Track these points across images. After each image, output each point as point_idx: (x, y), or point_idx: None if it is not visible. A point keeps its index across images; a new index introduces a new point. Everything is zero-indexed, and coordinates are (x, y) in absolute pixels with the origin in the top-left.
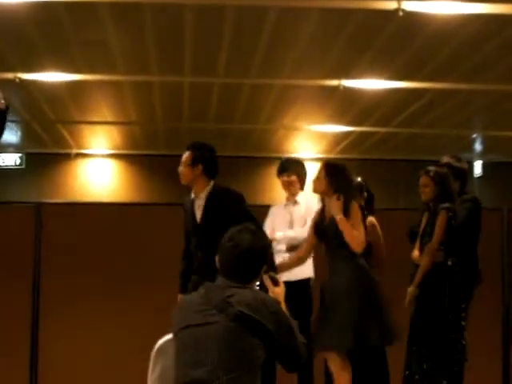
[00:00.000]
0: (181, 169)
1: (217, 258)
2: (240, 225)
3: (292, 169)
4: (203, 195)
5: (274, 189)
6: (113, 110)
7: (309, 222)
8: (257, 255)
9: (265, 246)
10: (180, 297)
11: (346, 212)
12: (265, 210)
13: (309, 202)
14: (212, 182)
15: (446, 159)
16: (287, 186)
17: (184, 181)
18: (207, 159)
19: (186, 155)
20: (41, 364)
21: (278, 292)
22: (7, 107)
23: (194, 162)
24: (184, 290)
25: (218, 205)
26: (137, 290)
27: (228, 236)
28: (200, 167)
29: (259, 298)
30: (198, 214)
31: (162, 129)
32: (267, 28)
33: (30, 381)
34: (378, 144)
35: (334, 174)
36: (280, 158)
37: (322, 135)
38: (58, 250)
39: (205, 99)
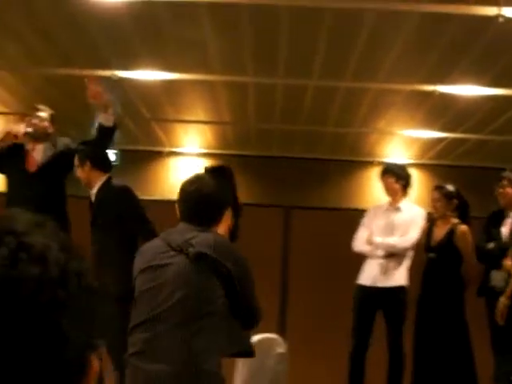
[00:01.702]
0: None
1: (176, 205)
2: (197, 173)
3: (394, 173)
4: (94, 191)
5: (365, 193)
6: (206, 110)
7: (410, 231)
8: (217, 199)
9: (222, 192)
10: None
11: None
12: (355, 213)
13: (412, 211)
14: (105, 177)
15: None
16: (387, 190)
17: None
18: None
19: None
20: None
21: None
22: (115, 125)
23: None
24: None
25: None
26: None
27: (188, 181)
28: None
29: (220, 240)
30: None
31: (254, 129)
32: (364, 31)
33: None
34: (470, 151)
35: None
36: (371, 162)
37: (414, 140)
38: None
39: (298, 101)
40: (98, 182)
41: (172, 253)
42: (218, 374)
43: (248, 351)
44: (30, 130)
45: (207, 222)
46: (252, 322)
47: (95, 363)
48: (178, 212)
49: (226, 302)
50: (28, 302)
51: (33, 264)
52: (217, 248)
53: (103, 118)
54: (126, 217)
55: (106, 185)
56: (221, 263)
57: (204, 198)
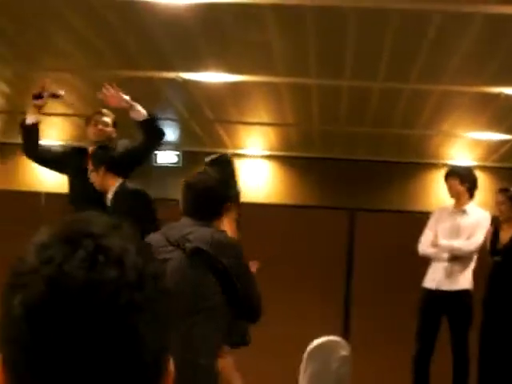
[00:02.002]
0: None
1: (180, 201)
2: (202, 168)
3: (458, 175)
4: (110, 196)
5: (430, 195)
6: (270, 112)
7: (476, 235)
8: (217, 192)
9: (222, 186)
10: None
11: None
12: (420, 216)
13: (478, 214)
14: (119, 181)
15: None
16: (451, 192)
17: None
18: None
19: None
20: None
21: None
22: (150, 115)
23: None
24: None
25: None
26: (289, 292)
27: (190, 175)
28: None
29: (218, 236)
30: None
31: (318, 131)
32: (429, 33)
33: None
34: None
35: None
36: (435, 165)
37: (478, 143)
38: None
39: (363, 103)
40: (113, 186)
41: (170, 248)
42: (213, 368)
43: (243, 342)
44: (62, 93)
45: (208, 216)
46: (254, 317)
47: (171, 366)
48: (180, 207)
49: (224, 298)
50: (106, 305)
51: (110, 267)
52: (214, 244)
53: (135, 115)
54: (142, 221)
55: (121, 189)
56: (217, 259)
57: (203, 192)
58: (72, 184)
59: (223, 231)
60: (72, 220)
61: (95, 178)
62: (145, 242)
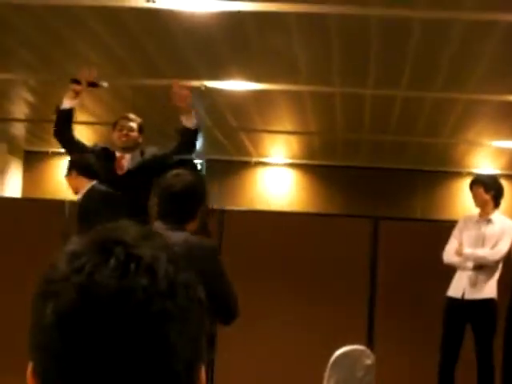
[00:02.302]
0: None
1: (151, 203)
2: (175, 170)
3: (483, 183)
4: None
5: (455, 204)
6: (293, 120)
7: (500, 244)
8: (192, 193)
9: (200, 186)
10: None
11: None
12: (444, 224)
13: (504, 223)
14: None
15: None
16: (476, 200)
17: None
18: None
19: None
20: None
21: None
22: (198, 127)
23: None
24: None
25: None
26: (309, 303)
27: (163, 180)
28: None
29: (192, 241)
30: None
31: (341, 139)
32: (453, 41)
33: None
34: None
35: None
36: (460, 173)
37: (503, 151)
38: (237, 256)
39: (386, 111)
40: (83, 189)
41: None
42: None
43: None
44: (104, 84)
45: (183, 218)
46: (229, 318)
47: (203, 376)
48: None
49: None
50: (137, 313)
51: (142, 275)
52: (186, 249)
53: (186, 121)
54: (108, 222)
55: (90, 191)
56: (191, 263)
57: (182, 192)
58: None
59: (196, 235)
60: (104, 229)
61: (69, 181)
62: (176, 252)
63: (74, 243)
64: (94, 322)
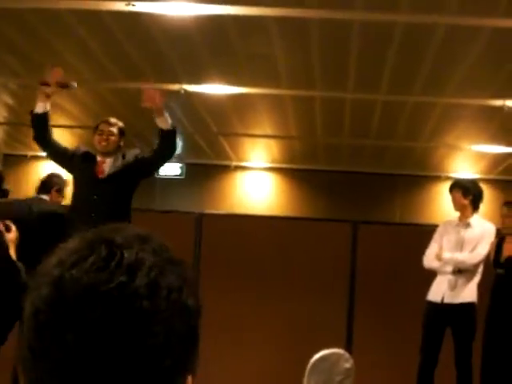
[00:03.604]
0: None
1: None
2: None
3: (461, 187)
4: None
5: (434, 208)
6: (274, 124)
7: (479, 247)
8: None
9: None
10: None
11: None
12: (424, 228)
13: (483, 226)
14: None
15: None
16: (455, 204)
17: None
18: None
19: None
20: None
21: (10, 238)
22: (174, 128)
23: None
24: None
25: None
26: (290, 305)
27: None
28: None
29: None
30: None
31: (322, 144)
32: (434, 45)
33: None
34: None
35: None
36: (439, 177)
37: (483, 155)
38: (216, 260)
39: (366, 116)
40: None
41: None
42: None
43: None
44: (73, 84)
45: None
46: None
47: (189, 381)
48: None
49: None
50: (109, 309)
51: (121, 273)
52: None
53: (161, 122)
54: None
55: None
56: None
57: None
58: (77, 185)
59: None
60: (101, 229)
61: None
62: (170, 257)
63: (72, 241)
64: (66, 315)
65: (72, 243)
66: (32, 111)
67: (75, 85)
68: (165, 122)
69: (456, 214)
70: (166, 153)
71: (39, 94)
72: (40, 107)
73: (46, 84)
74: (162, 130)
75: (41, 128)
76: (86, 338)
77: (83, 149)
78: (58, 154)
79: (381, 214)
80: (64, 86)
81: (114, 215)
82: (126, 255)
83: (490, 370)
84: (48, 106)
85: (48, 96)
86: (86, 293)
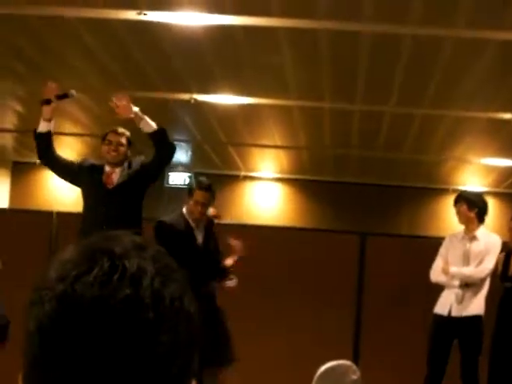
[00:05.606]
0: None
1: None
2: None
3: (466, 200)
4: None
5: (442, 221)
6: (282, 135)
7: (486, 261)
8: None
9: None
10: None
11: None
12: (431, 241)
13: (489, 239)
14: None
15: None
16: (460, 218)
17: None
18: None
19: None
20: None
21: None
22: (161, 127)
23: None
24: None
25: None
26: (294, 317)
27: None
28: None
29: None
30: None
31: (330, 155)
32: (442, 59)
33: None
34: None
35: None
36: (447, 190)
37: (491, 169)
38: None
39: (375, 128)
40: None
41: None
42: None
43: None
44: (72, 92)
45: None
46: None
47: None
48: None
49: None
50: (116, 323)
51: (125, 286)
52: None
53: (144, 126)
54: None
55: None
56: None
57: None
58: (86, 198)
59: None
60: (97, 238)
61: None
62: (168, 264)
63: (68, 251)
64: (71, 331)
65: (68, 254)
66: (35, 130)
67: (74, 92)
68: (147, 124)
69: (462, 227)
70: (164, 153)
71: (43, 113)
72: (44, 126)
73: (48, 102)
74: (149, 134)
75: (44, 146)
76: (93, 352)
77: (89, 161)
78: (64, 169)
79: (389, 226)
80: (63, 96)
81: (125, 224)
82: (127, 266)
83: (496, 382)
84: (51, 125)
85: (50, 119)
86: (91, 308)
